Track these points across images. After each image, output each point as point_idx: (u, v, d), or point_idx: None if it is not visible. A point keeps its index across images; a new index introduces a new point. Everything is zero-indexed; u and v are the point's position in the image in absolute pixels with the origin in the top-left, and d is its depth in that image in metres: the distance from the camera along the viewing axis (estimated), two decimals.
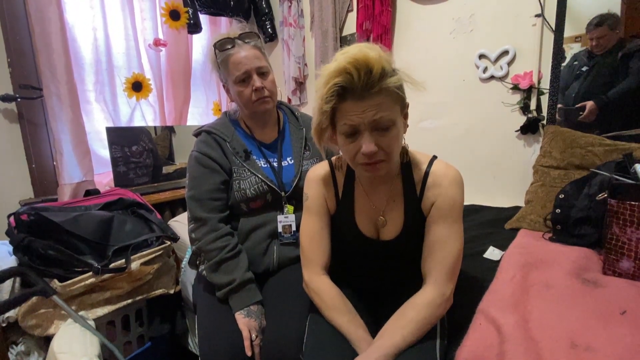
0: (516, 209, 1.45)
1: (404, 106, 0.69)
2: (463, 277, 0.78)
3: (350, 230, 0.82)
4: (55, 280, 1.01)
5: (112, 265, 1.09)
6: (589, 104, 1.37)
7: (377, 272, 0.86)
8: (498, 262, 1.05)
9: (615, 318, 0.72)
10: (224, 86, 1.07)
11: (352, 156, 0.68)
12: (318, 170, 0.85)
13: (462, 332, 0.75)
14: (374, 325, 0.81)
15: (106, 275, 1.07)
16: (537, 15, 1.41)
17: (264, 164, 1.04)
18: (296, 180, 1.03)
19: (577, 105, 1.39)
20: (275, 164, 1.05)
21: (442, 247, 0.73)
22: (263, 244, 0.99)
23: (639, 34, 1.26)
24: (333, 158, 0.86)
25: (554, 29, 1.39)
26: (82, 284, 1.05)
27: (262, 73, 0.98)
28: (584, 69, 1.38)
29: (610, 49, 1.32)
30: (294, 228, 1.00)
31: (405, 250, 0.81)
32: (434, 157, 0.79)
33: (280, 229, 1.00)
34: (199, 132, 1.06)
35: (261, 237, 0.99)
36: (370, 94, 0.62)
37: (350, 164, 0.75)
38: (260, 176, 0.99)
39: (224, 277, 0.91)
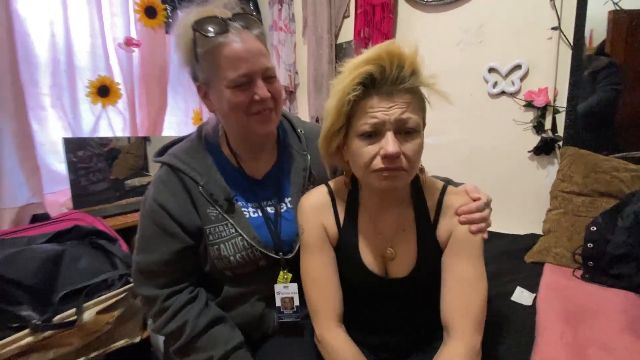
0: (532, 236, 1.34)
1: (424, 118, 0.62)
2: (493, 328, 0.63)
3: (353, 265, 0.68)
4: None
5: (57, 318, 0.87)
6: None
7: (386, 318, 0.71)
8: (531, 307, 0.91)
9: None
10: (199, 88, 0.72)
11: (369, 161, 0.58)
12: (313, 196, 0.72)
13: None
14: None
15: (49, 332, 0.84)
16: (554, 28, 1.31)
17: (254, 213, 0.75)
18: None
19: None
20: (270, 211, 0.77)
21: (466, 290, 0.61)
22: (257, 308, 0.76)
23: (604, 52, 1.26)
24: (330, 182, 0.74)
25: (572, 43, 1.29)
26: (16, 345, 0.82)
27: (269, 77, 0.69)
28: None
29: None
30: (296, 302, 0.74)
31: (420, 290, 0.67)
32: (449, 181, 0.71)
33: (279, 303, 0.75)
34: (161, 161, 0.75)
35: (253, 303, 0.76)
36: (399, 90, 0.56)
37: (361, 173, 0.61)
38: (248, 238, 0.71)
39: (201, 355, 0.70)
